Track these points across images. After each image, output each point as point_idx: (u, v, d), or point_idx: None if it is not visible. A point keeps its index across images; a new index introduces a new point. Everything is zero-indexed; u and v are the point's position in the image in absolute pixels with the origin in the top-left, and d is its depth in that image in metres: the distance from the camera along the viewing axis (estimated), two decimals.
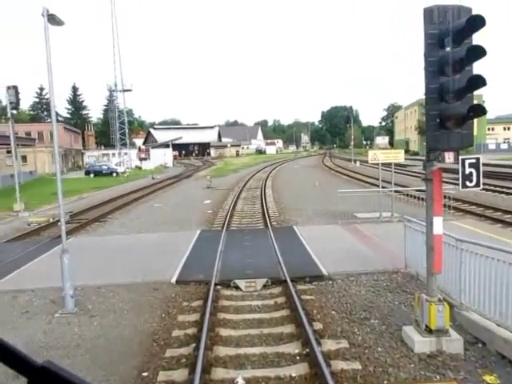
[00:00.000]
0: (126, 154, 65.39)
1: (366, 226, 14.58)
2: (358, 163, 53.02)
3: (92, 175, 52.74)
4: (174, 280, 9.44)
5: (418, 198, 18.00)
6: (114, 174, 52.45)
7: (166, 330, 7.13)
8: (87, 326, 7.29)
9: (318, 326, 7.15)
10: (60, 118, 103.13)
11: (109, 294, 8.83)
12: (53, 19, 7.33)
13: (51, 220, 19.84)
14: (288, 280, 9.10)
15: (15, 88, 21.34)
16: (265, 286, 9.19)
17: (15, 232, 17.20)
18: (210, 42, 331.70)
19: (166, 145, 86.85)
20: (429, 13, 5.29)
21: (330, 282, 9.23)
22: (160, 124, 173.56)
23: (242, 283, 9.22)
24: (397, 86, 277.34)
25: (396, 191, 17.66)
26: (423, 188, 18.79)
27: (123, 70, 61.64)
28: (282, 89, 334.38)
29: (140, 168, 65.24)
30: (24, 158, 56.64)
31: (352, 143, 61.69)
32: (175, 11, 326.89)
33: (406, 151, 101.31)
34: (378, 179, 33.52)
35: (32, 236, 16.64)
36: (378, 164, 16.91)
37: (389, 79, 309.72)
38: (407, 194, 19.09)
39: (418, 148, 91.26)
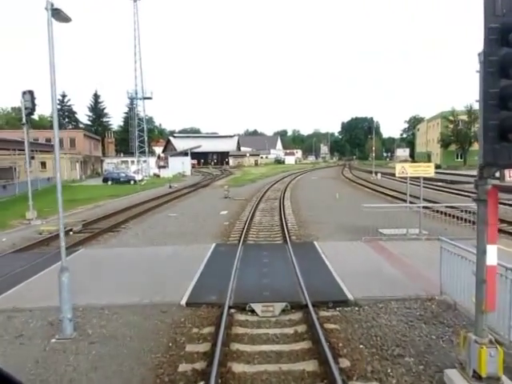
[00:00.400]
0: (144, 161, 65.26)
1: (392, 244, 13.58)
2: (379, 176, 51.76)
3: (110, 182, 52.64)
4: (184, 302, 8.63)
5: (446, 214, 16.94)
6: (132, 182, 52.24)
7: (172, 362, 6.30)
8: (85, 354, 6.51)
9: (345, 363, 6.24)
10: (81, 125, 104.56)
11: (112, 316, 8.07)
12: (58, 14, 6.69)
13: None
14: (309, 305, 8.21)
15: (31, 93, 20.99)
16: (283, 311, 8.31)
17: (24, 241, 16.67)
18: (231, 51, 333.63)
19: (184, 153, 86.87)
20: (491, 3, 4.41)
21: (357, 309, 8.30)
22: (180, 132, 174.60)
23: (258, 307, 8.36)
24: (418, 98, 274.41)
25: (425, 207, 16.55)
26: (454, 204, 17.85)
27: (144, 78, 61.92)
28: (302, 99, 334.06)
29: (158, 176, 65.09)
30: (43, 165, 56.92)
31: (373, 155, 59.67)
32: (198, 21, 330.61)
33: None
34: (401, 193, 32.52)
35: (41, 246, 16.10)
36: (405, 178, 15.73)
37: (410, 91, 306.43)
38: (436, 211, 17.97)
39: (441, 161, 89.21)
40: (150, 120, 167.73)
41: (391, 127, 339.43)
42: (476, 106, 70.41)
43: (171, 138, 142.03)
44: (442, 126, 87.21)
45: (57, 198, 7.35)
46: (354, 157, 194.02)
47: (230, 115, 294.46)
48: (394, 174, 55.97)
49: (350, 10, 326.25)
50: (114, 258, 12.68)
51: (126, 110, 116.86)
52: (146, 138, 64.68)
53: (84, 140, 72.36)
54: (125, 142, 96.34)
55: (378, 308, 8.25)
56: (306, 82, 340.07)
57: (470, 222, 15.21)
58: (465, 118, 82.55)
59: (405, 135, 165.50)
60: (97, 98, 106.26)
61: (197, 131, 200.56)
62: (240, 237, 15.72)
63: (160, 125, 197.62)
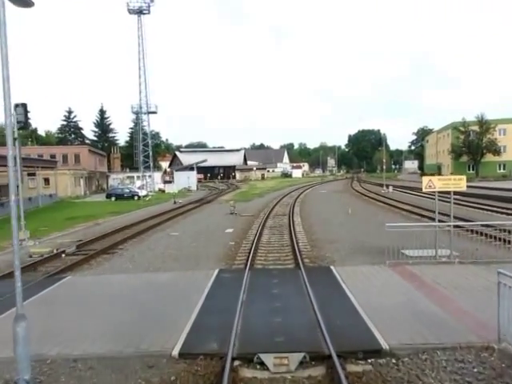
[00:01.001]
0: (149, 176, 64.01)
1: (421, 269, 11.81)
2: (390, 189, 49.95)
3: (113, 198, 51.29)
4: (176, 352, 6.92)
5: (477, 232, 15.12)
6: (136, 198, 50.86)
7: None
8: None
9: None
10: (87, 141, 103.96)
11: (86, 373, 6.39)
12: None
13: (55, 251, 17.79)
14: (333, 355, 6.50)
15: (24, 106, 19.58)
16: (301, 364, 6.61)
17: (10, 266, 15.07)
18: (237, 65, 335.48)
19: (190, 168, 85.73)
20: None
21: (394, 361, 6.56)
22: (186, 147, 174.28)
23: (269, 359, 6.65)
24: (424, 111, 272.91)
25: (456, 226, 14.75)
26: (492, 223, 15.99)
27: (149, 93, 61.04)
28: (308, 112, 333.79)
29: (163, 191, 63.73)
30: (46, 181, 55.82)
31: (384, 167, 57.98)
32: (204, 36, 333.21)
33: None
34: (416, 207, 30.72)
35: (27, 271, 14.46)
36: (432, 193, 13.92)
37: (416, 103, 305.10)
38: (470, 230, 16.09)
39: (452, 173, 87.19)
40: (156, 135, 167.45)
41: (398, 139, 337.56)
42: (488, 117, 68.38)
43: (177, 153, 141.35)
44: (453, 136, 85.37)
45: (12, 225, 5.72)
46: (362, 169, 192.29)
47: (237, 129, 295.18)
48: (405, 187, 53.74)
49: (348, 19, 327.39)
50: (102, 289, 11.03)
51: (132, 125, 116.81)
52: (150, 153, 63.48)
53: (89, 156, 71.41)
54: (131, 158, 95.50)
55: (421, 361, 6.49)
56: (312, 95, 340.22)
57: (505, 241, 13.45)
58: (476, 128, 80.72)
59: (413, 147, 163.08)
60: (103, 114, 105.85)
61: (203, 146, 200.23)
62: (247, 260, 14.03)
63: (167, 140, 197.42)
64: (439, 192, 13.68)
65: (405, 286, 10.29)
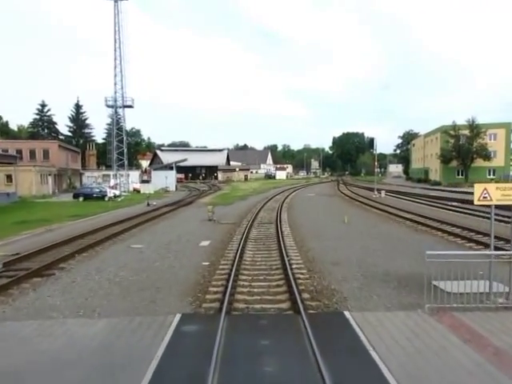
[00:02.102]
0: (122, 175, 59.43)
1: (477, 319, 8.05)
2: (383, 193, 46.51)
3: (81, 199, 46.70)
4: None
5: None
6: (106, 198, 46.33)
7: None
8: None
9: None
10: (61, 137, 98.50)
11: None
12: None
13: None
14: None
15: None
16: None
17: None
18: (220, 66, 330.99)
19: (169, 167, 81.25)
20: None
21: None
22: (169, 146, 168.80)
23: None
24: (407, 115, 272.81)
25: None
26: None
27: (126, 85, 55.95)
28: (292, 114, 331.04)
29: (138, 191, 59.19)
30: (8, 178, 50.89)
31: (376, 170, 54.52)
32: (187, 38, 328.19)
33: (426, 180, 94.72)
34: (419, 215, 27.15)
35: None
36: (487, 206, 9.90)
37: (398, 107, 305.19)
38: None
39: (441, 178, 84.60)
40: (136, 133, 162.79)
41: (380, 143, 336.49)
42: (479, 120, 65.36)
43: (158, 152, 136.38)
44: (443, 140, 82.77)
45: None
46: (347, 172, 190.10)
47: (220, 130, 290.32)
48: (397, 192, 50.13)
49: (332, 21, 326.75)
50: None
51: (109, 120, 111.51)
52: (125, 150, 58.82)
53: (59, 151, 66.33)
54: (107, 155, 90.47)
55: None
56: (296, 97, 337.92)
57: None
58: (466, 132, 78.23)
59: (398, 151, 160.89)
60: (78, 108, 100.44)
61: (186, 145, 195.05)
62: (223, 294, 10.07)
63: (149, 138, 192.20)
64: (493, 205, 9.73)
65: (468, 355, 6.46)
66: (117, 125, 58.47)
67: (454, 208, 33.03)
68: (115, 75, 54.96)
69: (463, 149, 77.87)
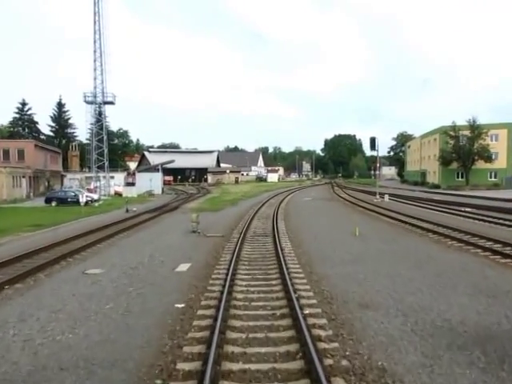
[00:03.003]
0: (104, 177, 54.94)
1: None
2: (386, 198, 42.58)
3: (54, 204, 42.19)
4: None
5: None
6: (82, 203, 41.81)
7: None
8: None
9: None
10: (42, 137, 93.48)
11: None
12: None
13: None
14: None
15: None
16: None
17: None
18: (211, 67, 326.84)
19: (156, 169, 76.80)
20: None
21: None
22: (159, 148, 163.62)
23: None
24: (397, 117, 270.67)
25: None
26: None
27: (107, 80, 51.28)
28: (283, 116, 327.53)
29: (120, 195, 54.63)
30: None
31: (378, 173, 50.71)
32: (179, 38, 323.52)
33: (423, 183, 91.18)
34: (439, 225, 23.17)
35: None
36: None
37: (388, 110, 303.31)
38: None
39: (440, 180, 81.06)
40: (124, 134, 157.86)
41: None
42: (481, 121, 61.33)
43: (146, 153, 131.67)
44: (442, 141, 79.27)
45: None
46: (340, 175, 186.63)
47: (211, 132, 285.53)
48: (398, 195, 46.18)
49: (322, 23, 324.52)
50: None
51: (94, 120, 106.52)
52: (105, 150, 54.27)
53: (36, 152, 61.55)
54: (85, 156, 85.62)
55: None
56: (286, 99, 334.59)
57: None
58: (467, 133, 74.75)
59: (392, 153, 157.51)
60: (61, 107, 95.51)
61: (176, 147, 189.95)
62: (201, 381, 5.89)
63: (138, 140, 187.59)
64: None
65: None
66: (98, 123, 53.92)
67: (471, 215, 29.13)
68: (95, 69, 50.52)
69: (464, 150, 74.39)
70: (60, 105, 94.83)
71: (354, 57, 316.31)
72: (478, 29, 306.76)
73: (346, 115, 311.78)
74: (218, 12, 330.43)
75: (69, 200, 42.17)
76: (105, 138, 53.65)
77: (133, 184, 68.00)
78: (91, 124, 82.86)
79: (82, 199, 33.57)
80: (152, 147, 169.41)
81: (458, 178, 79.37)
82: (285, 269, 12.58)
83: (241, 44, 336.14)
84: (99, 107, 53.18)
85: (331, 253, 15.91)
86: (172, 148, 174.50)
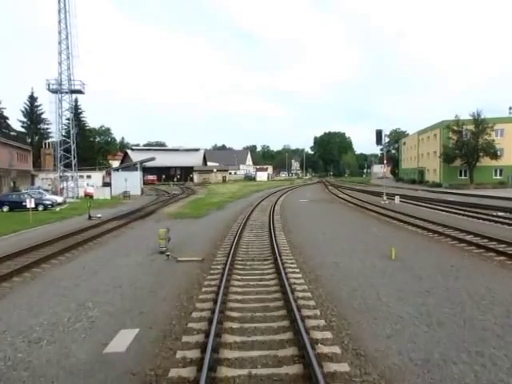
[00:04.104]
0: (72, 177, 48.27)
1: None
2: (397, 199, 36.73)
3: (6, 209, 35.58)
4: None
5: None
6: (41, 208, 35.30)
7: None
8: None
9: None
10: (12, 133, 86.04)
11: None
12: None
13: None
14: None
15: None
16: None
17: None
18: (198, 64, 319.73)
19: (135, 167, 70.18)
20: None
21: None
22: (145, 146, 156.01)
23: None
24: (385, 114, 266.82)
25: None
26: None
27: (75, 66, 44.31)
28: (270, 115, 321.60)
29: (91, 197, 47.98)
30: None
31: (384, 170, 44.80)
32: (165, 37, 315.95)
33: (421, 182, 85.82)
34: (485, 237, 16.75)
35: None
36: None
37: (375, 107, 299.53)
38: None
39: (441, 179, 75.72)
40: (107, 131, 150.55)
41: (360, 143, 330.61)
42: (485, 115, 55.03)
43: (129, 151, 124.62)
44: (444, 137, 73.89)
45: None
46: (331, 173, 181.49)
47: (198, 130, 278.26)
48: (406, 196, 39.72)
49: (308, 23, 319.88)
50: None
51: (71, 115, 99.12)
52: (73, 146, 47.55)
53: None
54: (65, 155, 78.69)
55: None
56: (274, 96, 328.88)
57: None
58: (472, 127, 69.34)
59: (385, 150, 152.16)
60: (33, 101, 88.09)
61: (162, 145, 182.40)
62: None
63: (123, 138, 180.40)
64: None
65: None
66: (61, 115, 47.19)
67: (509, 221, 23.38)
68: (59, 52, 43.72)
69: (469, 146, 68.95)
70: (32, 98, 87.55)
71: (341, 56, 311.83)
72: (464, 29, 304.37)
73: (334, 114, 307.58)
74: (206, 11, 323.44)
75: (23, 204, 35.50)
76: (72, 131, 46.86)
77: (109, 184, 61.40)
78: (67, 119, 75.86)
79: (30, 204, 27.00)
80: (138, 145, 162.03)
81: (460, 175, 74.09)
82: (311, 353, 6.45)
83: (229, 43, 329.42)
84: (70, 98, 46.39)
85: (371, 301, 9.79)
86: (158, 146, 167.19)
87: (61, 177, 47.04)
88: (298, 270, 12.65)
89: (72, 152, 46.36)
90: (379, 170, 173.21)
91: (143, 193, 61.25)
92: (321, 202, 40.92)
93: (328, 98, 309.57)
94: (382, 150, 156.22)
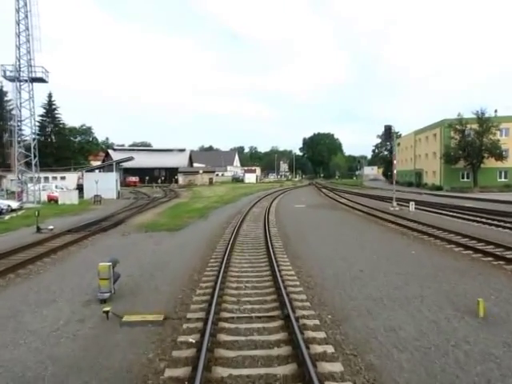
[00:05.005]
0: (31, 178, 42.00)
1: None
2: (411, 206, 31.27)
3: None
4: None
5: None
6: None
7: None
8: None
9: None
10: None
11: None
12: None
13: None
14: None
15: None
16: None
17: None
18: (184, 64, 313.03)
19: (123, 168, 64.03)
20: None
21: None
22: (130, 147, 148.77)
23: None
24: (375, 117, 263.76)
25: None
26: None
27: (36, 50, 38.13)
28: (258, 116, 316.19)
29: (56, 201, 41.69)
30: None
31: (394, 171, 39.37)
32: (152, 37, 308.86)
33: (419, 184, 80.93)
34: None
35: None
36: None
37: (364, 109, 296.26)
38: None
39: (442, 181, 70.84)
40: (88, 130, 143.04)
41: (349, 145, 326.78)
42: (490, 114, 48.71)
43: (110, 151, 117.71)
44: (445, 137, 69.07)
45: None
46: (321, 175, 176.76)
47: (184, 131, 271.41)
48: (405, 200, 33.37)
49: (299, 23, 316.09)
50: None
51: (45, 109, 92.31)
52: (32, 144, 41.38)
53: None
54: (42, 154, 72.00)
55: None
56: (261, 98, 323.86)
57: None
58: (475, 126, 64.52)
59: (377, 151, 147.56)
60: (2, 95, 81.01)
61: (148, 146, 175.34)
62: None
63: (107, 138, 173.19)
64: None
65: None
66: (19, 106, 40.90)
67: None
68: (17, 34, 37.44)
69: (473, 146, 64.08)
70: (1, 92, 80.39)
71: (330, 57, 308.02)
72: (459, 31, 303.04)
73: (322, 115, 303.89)
74: (195, 11, 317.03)
75: None
76: (32, 123, 40.62)
77: (82, 187, 55.12)
78: (40, 116, 69.20)
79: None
80: (122, 146, 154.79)
81: (462, 178, 69.32)
82: None
83: (217, 44, 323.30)
84: (29, 87, 40.09)
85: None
86: (143, 147, 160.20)
87: (19, 178, 40.68)
88: (332, 350, 6.94)
89: (31, 150, 40.04)
90: (370, 171, 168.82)
91: (120, 196, 55.13)
92: (321, 209, 35.31)
93: (317, 99, 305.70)
94: (373, 151, 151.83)
